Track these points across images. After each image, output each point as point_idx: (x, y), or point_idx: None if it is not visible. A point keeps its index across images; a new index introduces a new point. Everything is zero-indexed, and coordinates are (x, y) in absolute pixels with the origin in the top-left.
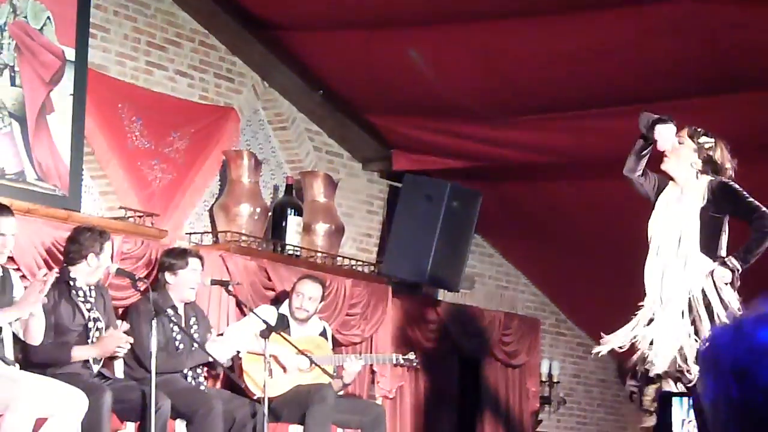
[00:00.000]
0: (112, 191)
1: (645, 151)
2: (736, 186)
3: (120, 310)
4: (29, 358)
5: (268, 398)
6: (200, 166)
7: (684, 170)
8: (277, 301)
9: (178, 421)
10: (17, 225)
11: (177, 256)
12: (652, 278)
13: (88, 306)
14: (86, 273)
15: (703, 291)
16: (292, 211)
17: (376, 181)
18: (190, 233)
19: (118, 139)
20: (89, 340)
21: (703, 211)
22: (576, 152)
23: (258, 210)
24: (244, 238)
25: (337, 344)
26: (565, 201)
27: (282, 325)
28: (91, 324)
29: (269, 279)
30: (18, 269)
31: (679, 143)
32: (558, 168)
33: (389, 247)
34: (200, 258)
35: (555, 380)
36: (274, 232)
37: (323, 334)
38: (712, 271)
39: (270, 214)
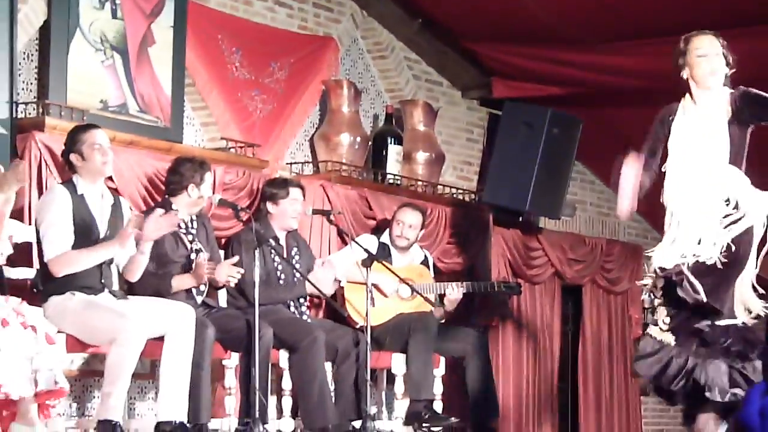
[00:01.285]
0: (213, 122)
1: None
2: (757, 90)
3: (222, 241)
4: (131, 290)
5: (371, 327)
6: (300, 96)
7: (718, 81)
8: (378, 230)
9: (281, 351)
10: (123, 157)
11: (278, 186)
12: (680, 198)
13: (190, 237)
14: (187, 204)
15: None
16: (392, 140)
17: (475, 109)
18: (291, 163)
19: (218, 71)
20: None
21: (730, 125)
22: (677, 77)
23: (358, 139)
24: (344, 167)
25: (438, 272)
26: None
27: (383, 253)
28: (193, 255)
29: (370, 208)
30: None
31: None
32: (659, 92)
33: (490, 174)
34: (301, 187)
35: None
36: (375, 161)
37: (424, 262)
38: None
39: (370, 143)
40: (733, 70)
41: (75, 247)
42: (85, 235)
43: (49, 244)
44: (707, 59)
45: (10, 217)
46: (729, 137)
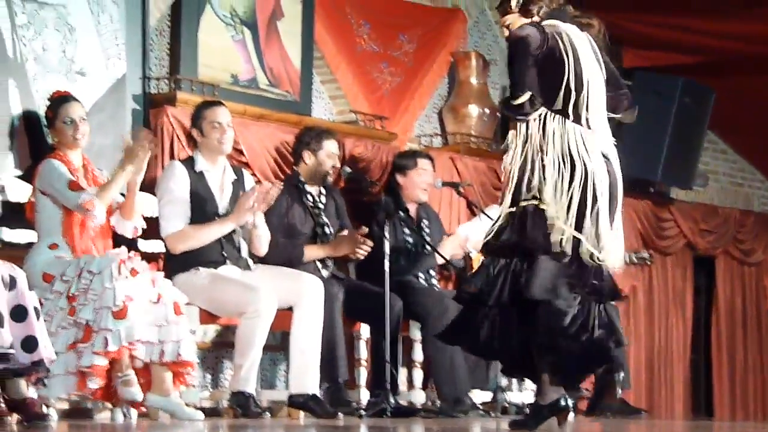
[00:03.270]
0: (342, 95)
1: None
2: None
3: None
4: (263, 260)
5: None
6: (428, 68)
7: None
8: None
9: (411, 321)
10: (253, 131)
11: (407, 158)
12: None
13: (317, 211)
14: (306, 172)
15: None
16: None
17: None
18: (420, 135)
19: (347, 44)
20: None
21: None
22: None
23: (487, 111)
24: (473, 139)
25: None
26: None
27: None
28: (319, 229)
29: (499, 179)
30: (253, 174)
31: None
32: None
33: (620, 145)
34: (431, 159)
35: None
36: (504, 133)
37: None
38: None
39: (499, 114)
40: None
41: (194, 223)
42: (203, 211)
43: (165, 221)
44: None
45: (144, 190)
46: None
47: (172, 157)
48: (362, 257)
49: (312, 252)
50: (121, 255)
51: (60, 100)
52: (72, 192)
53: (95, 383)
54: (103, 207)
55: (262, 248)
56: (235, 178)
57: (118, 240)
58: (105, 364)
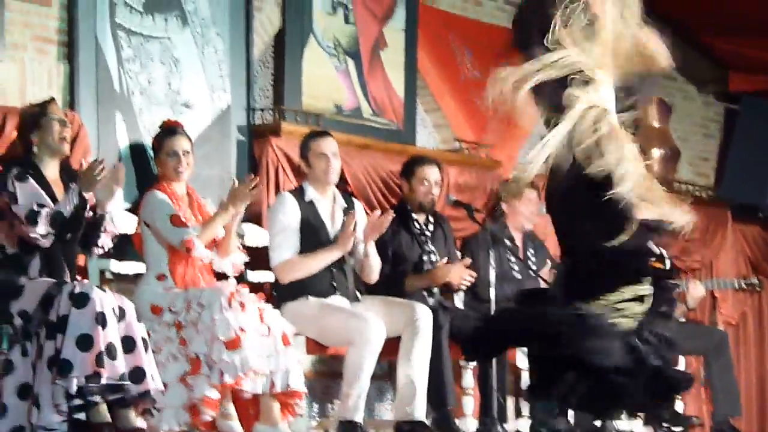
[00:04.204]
0: (446, 124)
1: None
2: None
3: (458, 242)
4: (368, 290)
5: None
6: None
7: None
8: None
9: (518, 349)
10: (357, 160)
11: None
12: None
13: (424, 238)
14: (409, 200)
15: None
16: None
17: (711, 104)
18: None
19: (450, 72)
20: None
21: None
22: None
23: None
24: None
25: (677, 270)
26: None
27: None
28: (425, 256)
29: None
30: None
31: None
32: None
33: (728, 170)
34: (536, 188)
35: None
36: None
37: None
38: None
39: None
40: None
41: (305, 252)
42: (316, 240)
43: (274, 251)
44: None
45: (248, 221)
46: None
47: (277, 187)
48: (465, 287)
49: (415, 282)
50: (230, 288)
51: (166, 132)
52: (174, 228)
53: (208, 415)
54: (203, 245)
55: (373, 276)
56: (346, 206)
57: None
58: (218, 397)
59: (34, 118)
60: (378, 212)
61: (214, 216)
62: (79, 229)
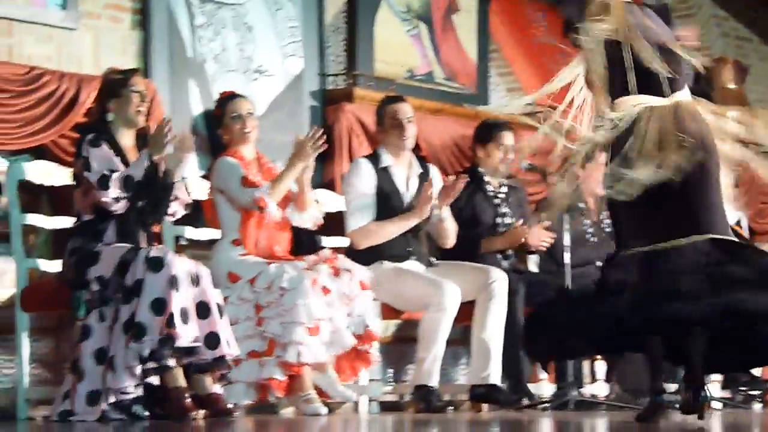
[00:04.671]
0: (519, 88)
1: None
2: None
3: (532, 206)
4: (443, 255)
5: None
6: None
7: None
8: None
9: None
10: (430, 125)
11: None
12: None
13: (497, 201)
14: (483, 164)
15: None
16: (702, 99)
17: None
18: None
19: (523, 36)
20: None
21: None
22: None
23: None
24: None
25: (752, 233)
26: None
27: None
28: (498, 219)
29: None
30: None
31: None
32: None
33: None
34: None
35: None
36: None
37: (737, 224)
38: None
39: None
40: None
41: (381, 218)
42: (390, 206)
43: (350, 217)
44: None
45: (322, 186)
46: None
47: (350, 152)
48: (543, 249)
49: (490, 244)
50: (313, 272)
51: (226, 99)
52: (244, 189)
53: (275, 394)
54: (275, 203)
55: (450, 240)
56: (422, 171)
57: (299, 236)
58: (284, 379)
59: (115, 86)
60: (452, 177)
61: (283, 172)
62: (151, 194)
